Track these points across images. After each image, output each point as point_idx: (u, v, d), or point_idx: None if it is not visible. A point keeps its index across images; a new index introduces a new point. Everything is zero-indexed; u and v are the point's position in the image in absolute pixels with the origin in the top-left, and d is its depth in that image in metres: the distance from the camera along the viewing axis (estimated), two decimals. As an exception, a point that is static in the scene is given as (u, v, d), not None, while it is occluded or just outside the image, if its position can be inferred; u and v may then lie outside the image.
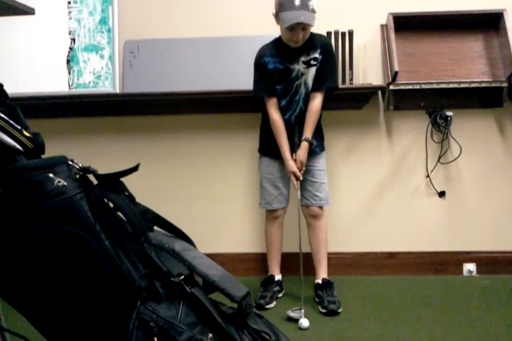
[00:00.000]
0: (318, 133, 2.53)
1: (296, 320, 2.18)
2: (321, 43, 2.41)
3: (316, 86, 2.43)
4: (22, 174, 0.99)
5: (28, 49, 2.91)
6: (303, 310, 2.21)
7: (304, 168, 2.44)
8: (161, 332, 1.00)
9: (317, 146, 2.50)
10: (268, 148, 2.55)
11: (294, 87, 2.44)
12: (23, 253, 1.00)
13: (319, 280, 2.53)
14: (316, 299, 2.45)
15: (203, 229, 2.93)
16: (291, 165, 2.41)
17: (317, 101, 2.43)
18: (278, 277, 2.62)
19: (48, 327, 1.07)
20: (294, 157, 2.42)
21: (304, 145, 2.41)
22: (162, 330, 1.01)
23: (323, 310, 2.33)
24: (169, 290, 1.06)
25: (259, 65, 2.44)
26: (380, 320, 2.27)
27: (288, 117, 2.46)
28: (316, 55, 2.40)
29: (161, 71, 2.89)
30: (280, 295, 2.57)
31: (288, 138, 2.44)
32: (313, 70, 2.41)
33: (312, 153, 2.48)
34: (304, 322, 2.16)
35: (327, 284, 2.49)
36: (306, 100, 2.45)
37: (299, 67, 2.41)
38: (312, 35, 2.39)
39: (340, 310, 2.32)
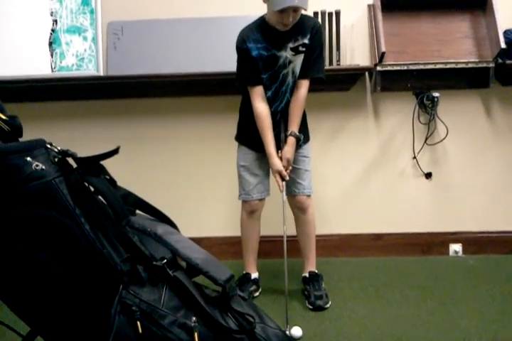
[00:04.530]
0: (303, 125, 2.32)
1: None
2: (311, 28, 2.17)
3: (303, 73, 2.21)
4: (-2, 157, 0.96)
5: (9, 31, 2.84)
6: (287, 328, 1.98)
7: (291, 167, 2.23)
8: (143, 316, 1.00)
9: (303, 138, 2.28)
10: (245, 137, 2.35)
11: (281, 77, 2.21)
12: (2, 237, 0.98)
13: (306, 274, 2.40)
14: (305, 292, 2.36)
15: (188, 213, 2.92)
16: (277, 164, 2.18)
17: (303, 90, 2.22)
18: (254, 275, 2.44)
19: (30, 314, 1.06)
20: (279, 154, 2.21)
21: (291, 140, 2.20)
22: (145, 314, 1.00)
23: (310, 306, 2.23)
24: (152, 274, 1.06)
25: (242, 50, 2.18)
26: (367, 300, 2.29)
27: (273, 110, 2.24)
28: (306, 41, 2.16)
29: (146, 53, 2.84)
30: (257, 294, 2.41)
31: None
32: (301, 58, 2.19)
33: (298, 146, 2.28)
34: (296, 332, 1.94)
35: (314, 277, 2.37)
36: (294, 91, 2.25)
37: (287, 54, 2.17)
38: (302, 17, 2.14)
39: (327, 306, 2.22)
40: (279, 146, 2.24)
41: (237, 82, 2.28)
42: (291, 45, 2.17)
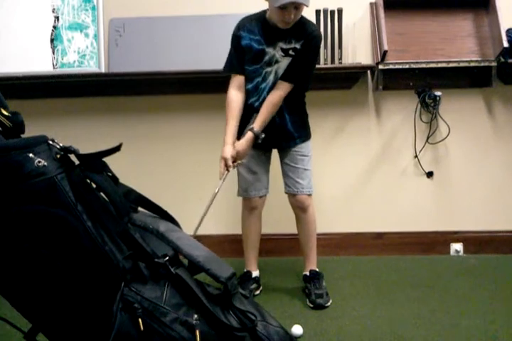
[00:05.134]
0: (304, 123, 2.33)
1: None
2: (307, 34, 2.12)
3: (285, 76, 2.16)
4: (0, 154, 0.96)
5: (11, 27, 2.83)
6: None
7: (243, 161, 2.20)
8: (145, 314, 1.00)
9: (300, 137, 2.29)
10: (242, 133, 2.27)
11: (263, 74, 2.19)
12: (4, 234, 0.98)
13: (307, 272, 2.40)
14: (306, 290, 2.35)
15: (189, 211, 2.89)
16: (227, 151, 2.13)
17: (279, 92, 2.16)
18: (255, 273, 2.44)
19: (32, 311, 1.06)
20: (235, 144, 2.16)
21: (248, 135, 2.15)
22: (147, 312, 1.00)
23: (311, 305, 2.23)
24: (154, 272, 1.05)
25: (234, 36, 2.21)
26: (368, 299, 2.29)
27: (250, 103, 2.23)
28: (297, 46, 2.13)
29: (148, 50, 2.84)
30: (257, 292, 2.41)
31: (244, 124, 2.21)
32: (288, 61, 2.15)
33: (292, 143, 2.29)
34: (297, 330, 1.94)
35: (315, 276, 2.37)
36: None
37: (275, 52, 2.15)
38: (305, 22, 2.14)
39: (328, 304, 2.22)
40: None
41: (223, 67, 2.28)
42: (282, 44, 2.14)
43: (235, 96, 2.21)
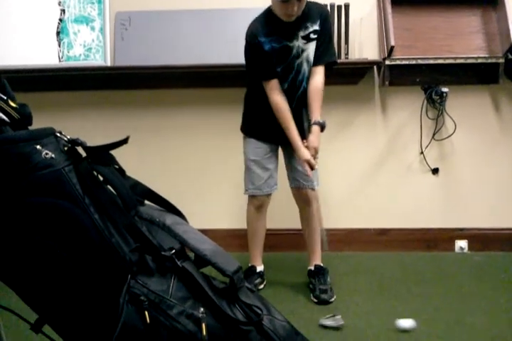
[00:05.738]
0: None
1: (331, 328, 1.98)
2: (320, 14, 2.18)
3: (317, 60, 2.21)
4: (8, 145, 0.96)
5: (17, 20, 2.83)
6: (339, 317, 2.01)
7: (318, 156, 2.21)
8: (151, 306, 0.99)
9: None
10: (253, 129, 2.35)
11: (296, 67, 2.20)
12: (11, 225, 0.98)
13: (312, 267, 2.41)
14: (310, 286, 2.35)
15: (193, 205, 2.91)
16: (305, 153, 2.14)
17: (319, 77, 2.20)
18: (260, 268, 2.46)
19: (38, 302, 1.06)
20: (305, 144, 2.17)
21: (316, 129, 2.17)
22: (153, 304, 1.00)
23: (315, 300, 2.24)
24: (160, 264, 1.05)
25: (253, 45, 2.17)
26: (372, 295, 2.29)
27: (290, 100, 2.23)
28: (316, 28, 2.16)
29: (153, 44, 2.83)
30: (261, 286, 2.42)
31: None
32: (313, 45, 2.19)
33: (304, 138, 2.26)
34: (406, 324, 1.91)
35: (319, 271, 2.38)
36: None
37: (298, 43, 2.17)
38: (308, 4, 2.15)
39: (332, 300, 2.23)
40: (302, 136, 2.20)
41: (250, 78, 2.27)
42: (301, 33, 2.16)
43: (280, 99, 2.19)
